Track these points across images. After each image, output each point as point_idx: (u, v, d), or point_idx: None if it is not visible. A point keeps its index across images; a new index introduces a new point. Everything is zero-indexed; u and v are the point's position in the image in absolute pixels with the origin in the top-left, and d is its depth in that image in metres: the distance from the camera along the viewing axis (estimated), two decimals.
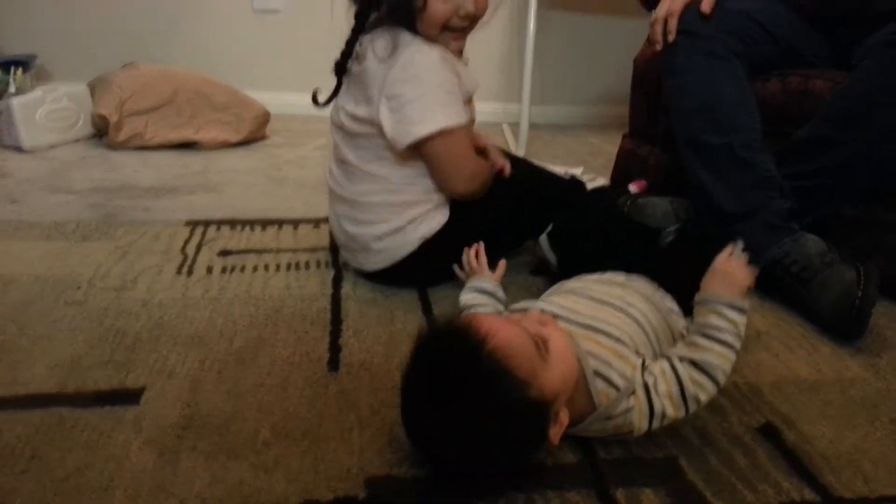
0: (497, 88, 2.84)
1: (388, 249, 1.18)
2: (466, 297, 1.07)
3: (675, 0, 1.35)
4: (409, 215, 1.16)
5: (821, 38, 1.43)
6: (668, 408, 0.79)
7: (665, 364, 0.81)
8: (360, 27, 1.12)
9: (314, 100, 1.19)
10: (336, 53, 1.15)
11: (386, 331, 1.09)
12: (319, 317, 1.13)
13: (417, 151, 1.11)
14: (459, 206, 1.19)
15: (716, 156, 1.32)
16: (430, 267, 1.21)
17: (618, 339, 0.83)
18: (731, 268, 0.88)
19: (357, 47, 1.12)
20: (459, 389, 0.69)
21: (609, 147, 2.36)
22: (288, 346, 1.03)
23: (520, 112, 2.32)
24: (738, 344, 0.83)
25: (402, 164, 1.13)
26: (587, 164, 2.21)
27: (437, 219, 1.17)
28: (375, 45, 1.09)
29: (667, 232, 1.28)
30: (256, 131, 2.32)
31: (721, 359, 0.81)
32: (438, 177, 1.13)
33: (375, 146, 1.13)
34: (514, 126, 2.47)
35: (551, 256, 1.21)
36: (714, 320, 0.83)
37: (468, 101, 1.16)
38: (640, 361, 0.81)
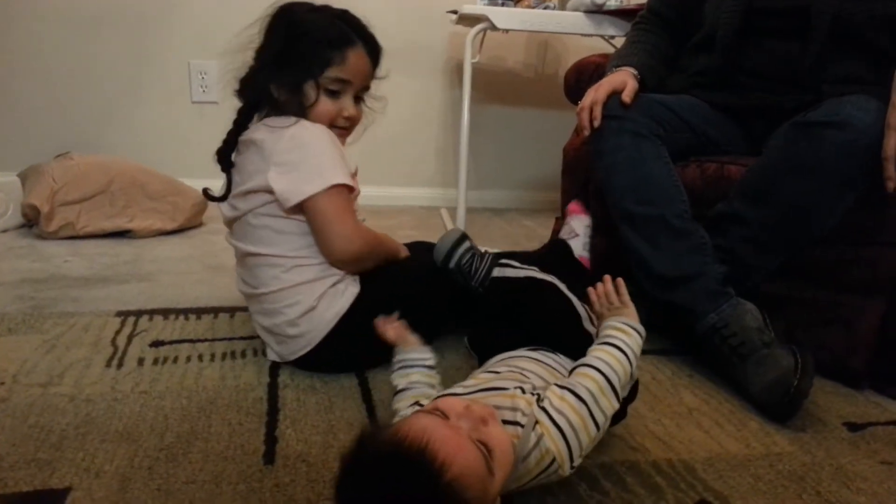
0: (435, 175, 2.92)
1: (306, 334, 1.19)
2: (399, 379, 1.04)
3: (599, 90, 1.45)
4: (316, 291, 1.17)
5: (735, 128, 1.54)
6: (572, 416, 0.80)
7: (552, 386, 0.85)
8: (244, 124, 1.22)
9: (206, 195, 1.25)
10: None
11: (324, 419, 1.08)
12: (255, 407, 1.11)
13: (303, 213, 1.15)
14: (371, 277, 1.22)
15: (651, 226, 1.38)
16: (352, 346, 1.20)
17: (516, 388, 0.86)
18: (605, 303, 0.99)
19: (240, 138, 1.21)
20: None
21: (543, 230, 2.44)
22: (222, 440, 1.00)
23: (457, 197, 2.39)
24: (624, 346, 0.89)
25: (294, 235, 1.17)
26: (522, 246, 2.27)
27: (350, 290, 1.20)
28: (265, 122, 1.18)
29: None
30: (193, 219, 2.31)
31: (602, 353, 0.87)
32: (320, 237, 1.15)
33: (266, 220, 1.17)
34: (452, 210, 2.53)
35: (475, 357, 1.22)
36: (603, 331, 0.92)
37: (353, 175, 1.21)
38: (534, 398, 0.84)
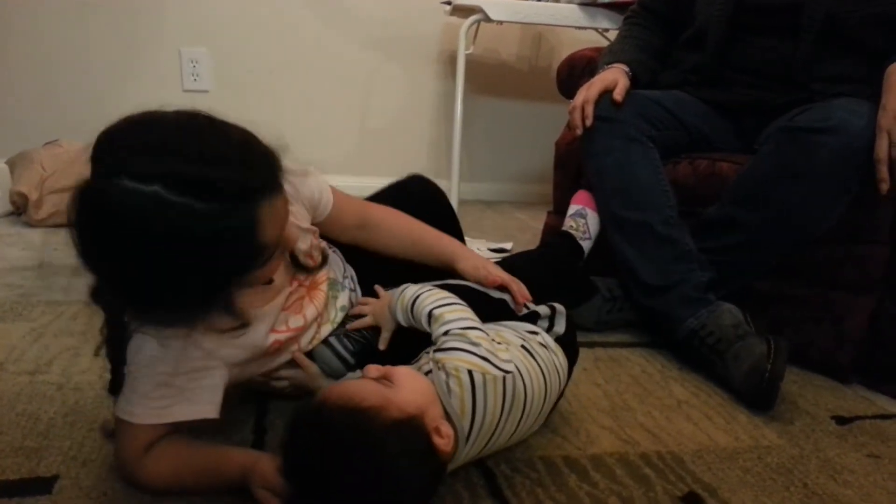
0: (427, 166, 2.91)
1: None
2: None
3: (591, 89, 1.44)
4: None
5: (727, 125, 1.54)
6: (454, 341, 0.86)
7: None
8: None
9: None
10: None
11: None
12: (245, 396, 1.10)
13: None
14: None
15: (637, 232, 1.38)
16: None
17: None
18: None
19: None
20: (334, 440, 0.72)
21: (535, 223, 2.44)
22: (210, 429, 0.99)
23: (449, 189, 2.39)
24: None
25: None
26: (515, 238, 2.27)
27: None
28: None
29: None
30: None
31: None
32: None
33: None
34: None
35: None
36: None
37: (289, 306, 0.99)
38: None
